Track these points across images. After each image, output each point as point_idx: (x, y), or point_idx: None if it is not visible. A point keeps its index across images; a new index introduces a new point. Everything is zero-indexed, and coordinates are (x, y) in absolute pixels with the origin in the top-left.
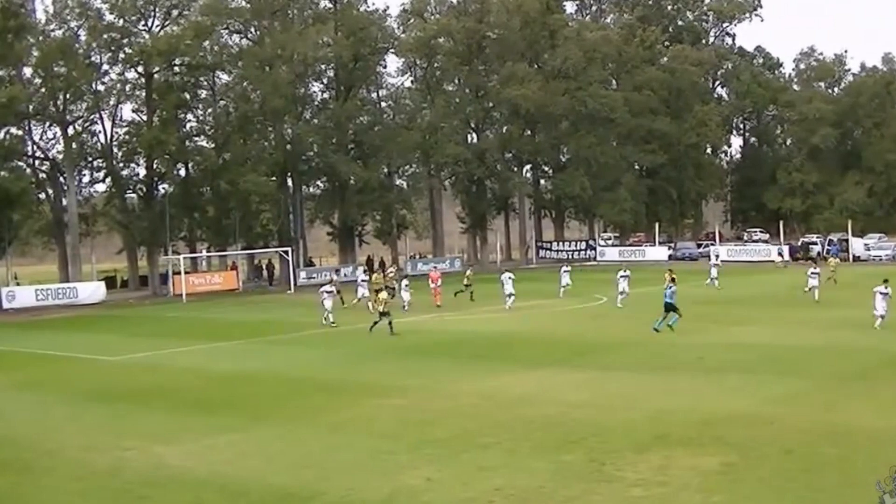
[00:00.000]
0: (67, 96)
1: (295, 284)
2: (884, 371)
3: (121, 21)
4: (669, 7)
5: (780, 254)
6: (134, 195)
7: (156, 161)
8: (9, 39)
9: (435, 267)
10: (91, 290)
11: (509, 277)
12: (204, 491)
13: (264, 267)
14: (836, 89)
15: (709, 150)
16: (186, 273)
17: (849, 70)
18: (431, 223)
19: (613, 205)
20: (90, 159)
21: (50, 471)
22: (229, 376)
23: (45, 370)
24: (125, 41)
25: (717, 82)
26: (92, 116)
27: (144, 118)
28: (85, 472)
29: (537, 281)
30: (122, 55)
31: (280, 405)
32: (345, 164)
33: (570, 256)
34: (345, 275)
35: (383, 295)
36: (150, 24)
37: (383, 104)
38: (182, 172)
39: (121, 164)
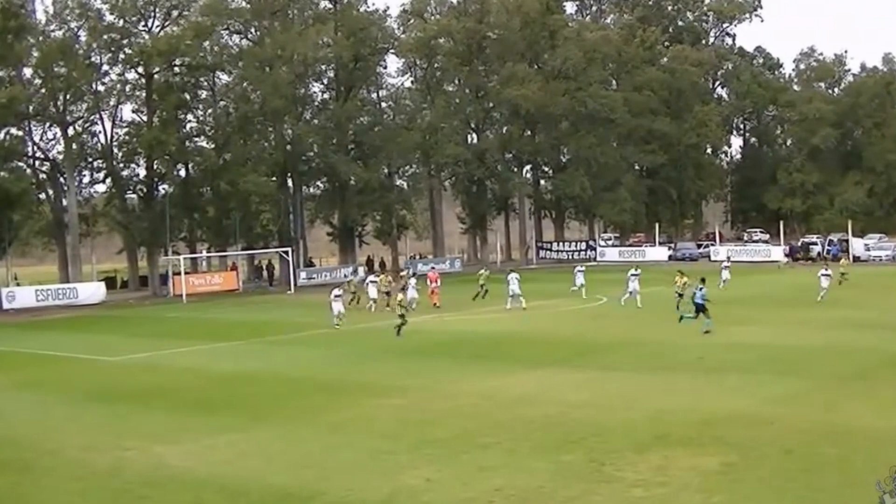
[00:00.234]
0: (67, 97)
1: (295, 285)
2: (884, 371)
3: (121, 21)
4: (669, 7)
5: (785, 254)
6: (134, 195)
7: (156, 161)
8: (9, 40)
9: (433, 267)
10: (91, 291)
11: (515, 278)
12: (204, 491)
13: (264, 267)
14: (836, 89)
15: (709, 151)
16: (186, 273)
17: (849, 70)
18: (431, 223)
19: (613, 205)
20: (90, 160)
21: (50, 471)
22: (229, 376)
23: (45, 370)
24: (125, 42)
25: (718, 82)
26: (92, 117)
27: (144, 118)
28: (85, 472)
29: (537, 281)
30: (122, 56)
31: (280, 405)
32: (345, 165)
33: (571, 257)
34: (358, 275)
35: (402, 296)
36: (150, 24)
37: (383, 104)
38: (182, 173)
39: (121, 165)
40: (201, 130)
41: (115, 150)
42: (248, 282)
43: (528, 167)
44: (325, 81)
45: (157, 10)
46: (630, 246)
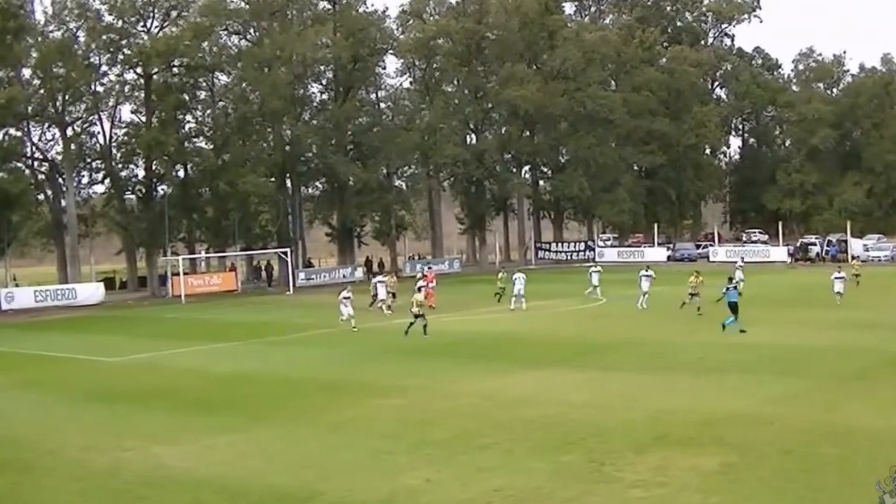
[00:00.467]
0: (66, 97)
1: (294, 285)
2: (884, 371)
3: (120, 22)
4: (668, 8)
5: (789, 254)
6: (133, 196)
7: (155, 162)
8: (8, 40)
9: (430, 267)
10: (90, 292)
11: (522, 278)
12: (203, 492)
13: (263, 268)
14: (835, 90)
15: (708, 151)
16: (185, 274)
17: (848, 71)
18: (430, 224)
19: (612, 206)
20: (89, 160)
21: (50, 471)
22: (229, 377)
23: (44, 371)
24: (124, 42)
25: (716, 83)
26: (91, 117)
27: (143, 119)
28: (84, 472)
29: (536, 282)
30: (120, 56)
31: (279, 406)
32: (344, 165)
33: (569, 257)
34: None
35: (418, 297)
36: (148, 24)
37: (382, 105)
38: (181, 173)
39: (120, 165)
40: (200, 131)
41: (114, 151)
42: (246, 282)
43: (526, 168)
44: (324, 82)
45: (156, 10)
46: (629, 246)
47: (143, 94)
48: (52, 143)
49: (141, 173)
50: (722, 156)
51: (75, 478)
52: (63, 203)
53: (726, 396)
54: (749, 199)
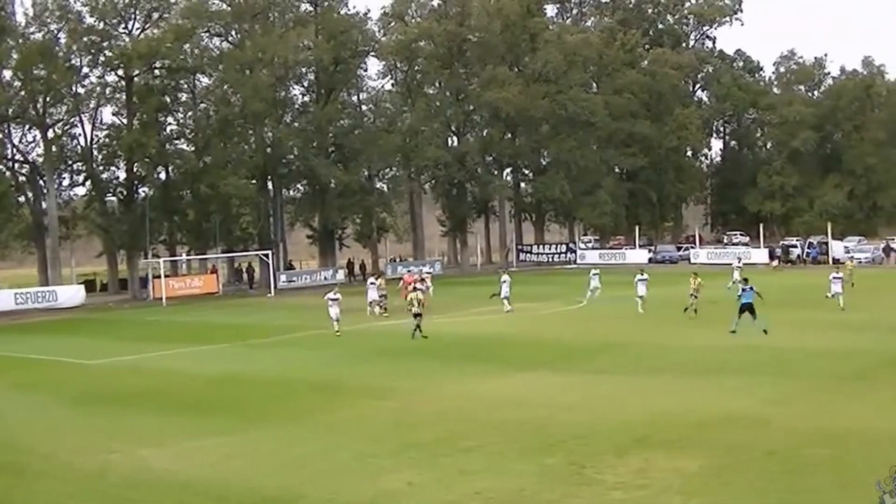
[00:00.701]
0: (47, 99)
1: (275, 288)
2: (879, 372)
3: (101, 24)
4: (650, 10)
5: (774, 256)
6: (114, 198)
7: (136, 164)
8: None
9: (409, 270)
10: (71, 294)
11: (508, 280)
12: (188, 494)
13: (244, 270)
14: (816, 92)
15: (689, 153)
16: (166, 276)
17: (829, 73)
18: (412, 226)
19: (593, 208)
20: (70, 162)
21: (42, 474)
22: (213, 379)
23: (30, 374)
24: (105, 44)
25: (698, 85)
26: (72, 119)
27: (124, 121)
28: (74, 475)
29: (519, 284)
30: (102, 58)
31: (264, 408)
32: (325, 168)
33: (551, 259)
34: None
35: (415, 296)
36: (130, 26)
37: (364, 107)
38: (162, 176)
39: (101, 168)
40: (181, 133)
41: (95, 153)
42: (228, 285)
43: (508, 170)
44: (306, 84)
45: (138, 12)
46: (610, 248)
47: (124, 96)
48: (32, 144)
49: (122, 175)
50: (703, 158)
51: (65, 481)
52: (44, 205)
53: (711, 398)
54: (730, 202)
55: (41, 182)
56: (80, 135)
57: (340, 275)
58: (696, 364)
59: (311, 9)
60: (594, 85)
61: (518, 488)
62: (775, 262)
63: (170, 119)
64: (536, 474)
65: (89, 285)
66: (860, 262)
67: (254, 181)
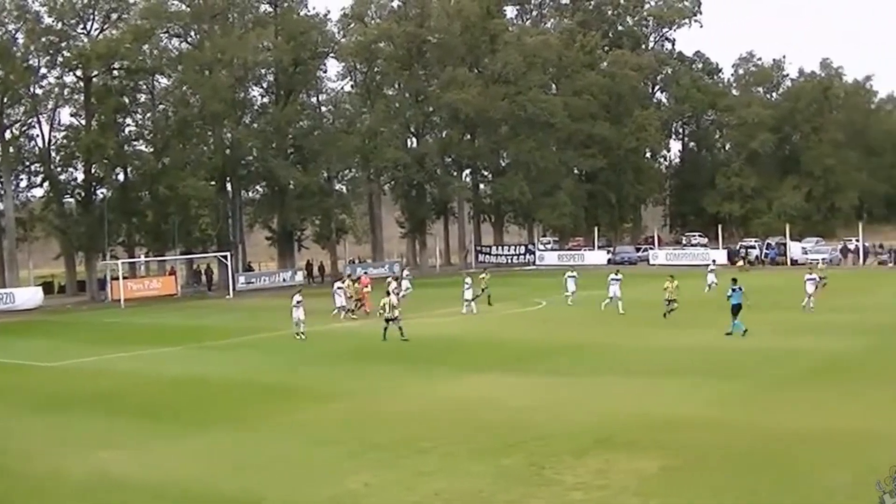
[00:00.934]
0: (4, 100)
1: (234, 289)
2: (823, 373)
3: (59, 24)
4: (609, 12)
5: (741, 257)
6: (72, 200)
7: (94, 165)
8: None
9: (366, 272)
10: (28, 296)
11: (471, 282)
12: (145, 497)
13: (203, 272)
14: (774, 94)
15: (648, 155)
16: (125, 278)
17: (787, 75)
18: (371, 228)
19: (553, 209)
20: (27, 163)
21: None
22: (171, 382)
23: None
24: (63, 44)
25: (657, 87)
26: (30, 120)
27: (83, 122)
28: (28, 478)
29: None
30: (60, 58)
31: (223, 410)
32: (284, 169)
33: (510, 261)
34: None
35: (388, 300)
36: (89, 27)
37: (323, 108)
38: (121, 177)
39: (59, 169)
40: (140, 134)
41: (53, 154)
42: (186, 286)
43: (467, 171)
44: (265, 85)
45: (96, 12)
46: (569, 250)
47: (82, 97)
48: None
49: (80, 177)
50: (662, 159)
51: (18, 483)
52: (1, 206)
53: (669, 400)
54: (689, 203)
55: None
56: (37, 136)
57: (299, 276)
58: (656, 365)
59: (271, 10)
60: (554, 86)
61: (476, 489)
62: (741, 263)
63: (128, 120)
64: (495, 475)
65: (47, 287)
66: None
67: (213, 182)
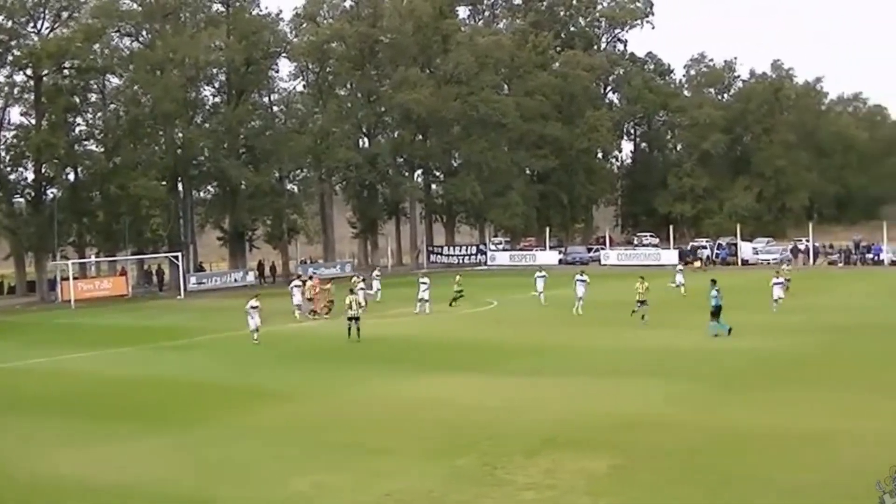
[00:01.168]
0: None
1: (185, 290)
2: (769, 371)
3: (9, 22)
4: (562, 13)
5: (700, 258)
6: (22, 200)
7: (44, 165)
8: None
9: (315, 273)
10: None
11: (427, 282)
12: (96, 498)
13: (154, 272)
14: (726, 95)
15: (600, 155)
16: (75, 279)
17: (738, 76)
18: (322, 228)
19: (504, 209)
20: None
21: None
22: (122, 383)
23: None
24: (14, 43)
25: (609, 88)
26: None
27: (33, 122)
28: None
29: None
30: (10, 57)
31: (174, 411)
32: (236, 169)
33: (461, 261)
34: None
35: (355, 298)
36: (39, 26)
37: (275, 109)
38: (71, 177)
39: (8, 169)
40: (91, 134)
41: (3, 154)
42: (137, 287)
43: (419, 171)
44: (217, 85)
45: (47, 11)
46: (520, 250)
47: (32, 96)
48: None
49: (30, 176)
50: (614, 160)
51: None
52: None
53: (620, 399)
54: (640, 203)
55: None
56: None
57: (251, 277)
58: (605, 366)
59: (223, 9)
60: (506, 87)
61: (428, 489)
62: (698, 263)
63: (79, 119)
64: (447, 475)
65: None
66: (768, 263)
67: (164, 182)
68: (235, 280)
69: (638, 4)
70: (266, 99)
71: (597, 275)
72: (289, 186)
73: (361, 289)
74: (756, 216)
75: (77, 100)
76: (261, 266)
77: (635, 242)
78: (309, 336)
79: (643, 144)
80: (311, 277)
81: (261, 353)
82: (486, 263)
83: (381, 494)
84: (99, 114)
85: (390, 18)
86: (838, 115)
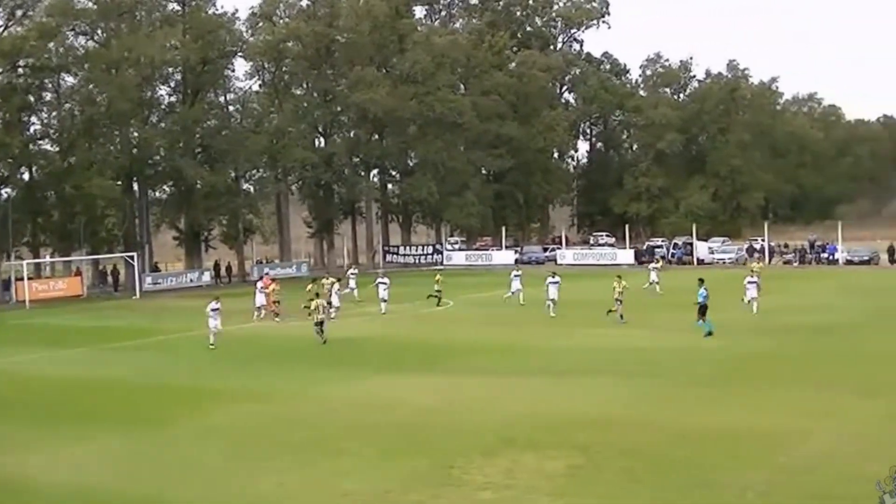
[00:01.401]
0: None
1: (140, 290)
2: (732, 372)
3: None
4: (518, 13)
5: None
6: None
7: None
8: None
9: (267, 273)
10: None
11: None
12: (48, 501)
13: (109, 272)
14: (681, 95)
15: (556, 155)
16: (29, 279)
17: (694, 76)
18: (278, 228)
19: (461, 209)
20: None
21: None
22: (78, 384)
23: None
24: None
25: (565, 88)
26: None
27: None
28: None
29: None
30: None
31: (133, 413)
32: (191, 169)
33: (417, 261)
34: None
35: (321, 302)
36: None
37: (231, 108)
38: (25, 176)
39: None
40: (46, 133)
41: None
42: (92, 287)
43: (375, 171)
44: (173, 84)
45: (1, 9)
46: (477, 250)
47: None
48: None
49: None
50: (570, 160)
51: None
52: None
53: (575, 399)
54: (596, 203)
55: None
56: None
57: (207, 276)
58: (567, 365)
59: (179, 8)
60: (462, 86)
61: (385, 489)
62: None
63: (34, 119)
64: (405, 475)
65: None
66: (724, 263)
67: (119, 182)
68: (191, 280)
69: (594, 4)
70: (222, 98)
71: (562, 274)
72: (245, 186)
73: (337, 290)
74: (712, 216)
75: (32, 99)
76: (217, 266)
77: (591, 242)
78: (267, 336)
79: (599, 144)
80: (261, 279)
81: (218, 355)
82: (442, 263)
83: (339, 494)
84: (54, 113)
85: (347, 18)
86: (793, 115)
